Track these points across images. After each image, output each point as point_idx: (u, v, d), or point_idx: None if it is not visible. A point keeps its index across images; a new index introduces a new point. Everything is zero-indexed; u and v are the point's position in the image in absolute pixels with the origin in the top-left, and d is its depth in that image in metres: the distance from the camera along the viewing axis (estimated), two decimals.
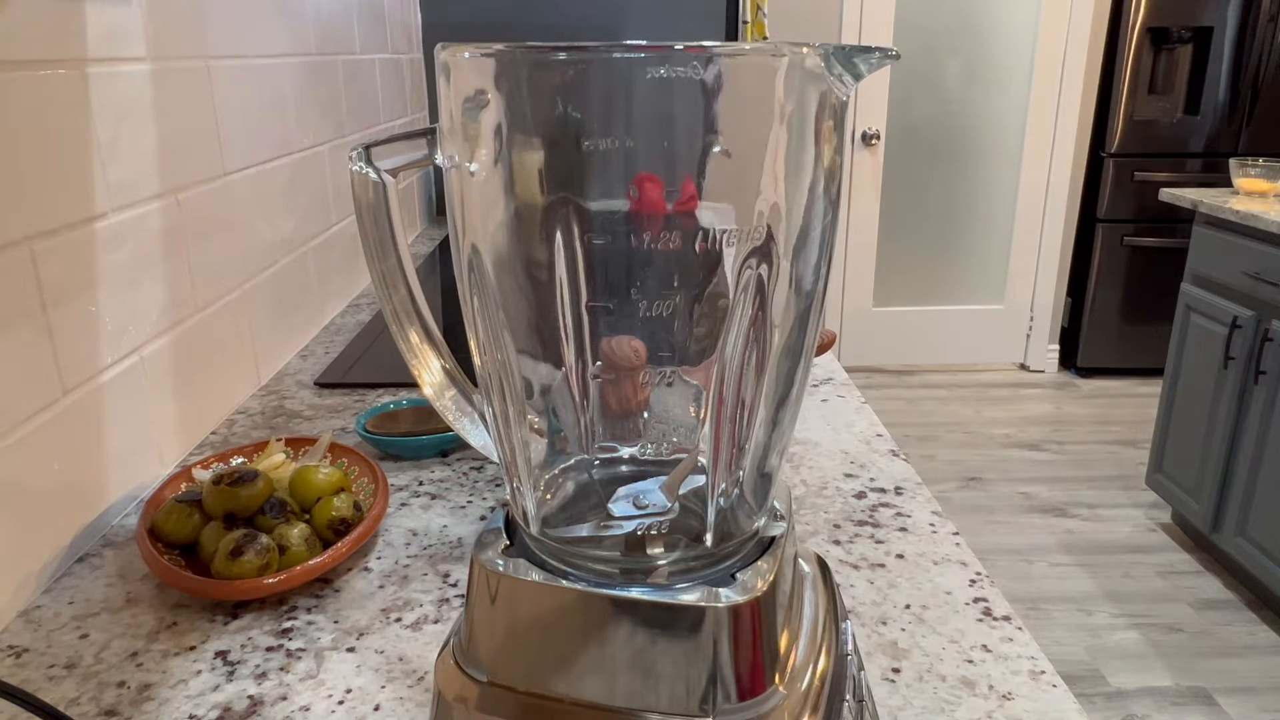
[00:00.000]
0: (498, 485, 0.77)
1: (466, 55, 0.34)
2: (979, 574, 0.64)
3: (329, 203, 1.25)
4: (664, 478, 0.40)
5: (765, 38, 2.59)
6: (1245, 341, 2.03)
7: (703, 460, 0.38)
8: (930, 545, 0.67)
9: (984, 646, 0.56)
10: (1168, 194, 2.37)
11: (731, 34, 2.00)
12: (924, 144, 3.41)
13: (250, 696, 0.52)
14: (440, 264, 1.59)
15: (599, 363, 0.36)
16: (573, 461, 0.41)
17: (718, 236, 0.33)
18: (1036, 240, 3.49)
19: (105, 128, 0.70)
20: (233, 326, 0.93)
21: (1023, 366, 3.66)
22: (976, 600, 0.60)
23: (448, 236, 0.41)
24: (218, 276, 0.90)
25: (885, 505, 0.73)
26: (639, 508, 0.39)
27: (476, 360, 0.40)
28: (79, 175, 0.67)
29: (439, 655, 0.40)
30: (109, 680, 0.53)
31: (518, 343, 0.37)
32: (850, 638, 0.44)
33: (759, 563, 0.38)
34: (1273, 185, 2.22)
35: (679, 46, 0.32)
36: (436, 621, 0.59)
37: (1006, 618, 0.58)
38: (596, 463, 0.41)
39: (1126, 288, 3.38)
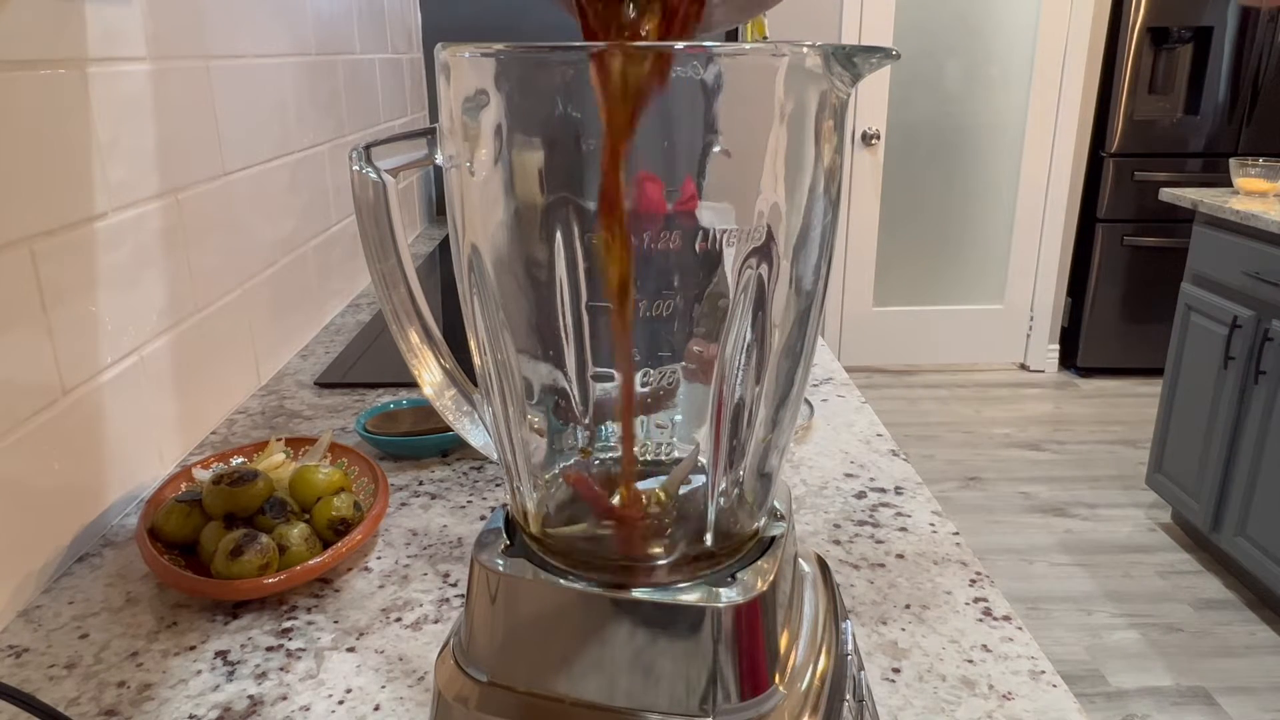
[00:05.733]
0: (498, 485, 0.77)
1: (466, 55, 0.34)
2: (979, 574, 0.64)
3: (329, 203, 1.25)
4: (664, 478, 0.40)
5: (765, 37, 2.58)
6: (1245, 341, 2.03)
7: (703, 460, 0.38)
8: (930, 545, 0.67)
9: (984, 646, 0.56)
10: (1168, 194, 2.37)
11: (731, 34, 2.00)
12: (924, 144, 3.41)
13: (250, 696, 0.52)
14: (440, 264, 1.59)
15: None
16: (573, 461, 0.41)
17: (718, 236, 0.33)
18: (1036, 240, 3.49)
19: (105, 128, 0.70)
20: (233, 326, 0.93)
21: (1023, 366, 3.66)
22: (976, 600, 0.60)
23: (448, 236, 0.41)
24: (218, 276, 0.90)
25: (885, 505, 0.73)
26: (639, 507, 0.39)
27: (476, 360, 0.40)
28: (79, 175, 0.67)
29: (439, 655, 0.40)
30: (109, 680, 0.53)
31: (518, 343, 0.37)
32: (850, 638, 0.44)
33: (759, 563, 0.38)
34: (1273, 185, 2.22)
35: (679, 46, 0.32)
36: (436, 621, 0.59)
37: (1006, 618, 0.58)
38: (596, 463, 0.41)
39: (1126, 288, 3.38)
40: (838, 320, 3.59)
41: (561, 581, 0.37)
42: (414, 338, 0.43)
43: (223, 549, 0.59)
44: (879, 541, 0.68)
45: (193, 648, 0.56)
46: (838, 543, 0.68)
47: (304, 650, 0.56)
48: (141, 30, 0.76)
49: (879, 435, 0.86)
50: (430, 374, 0.44)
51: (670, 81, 0.32)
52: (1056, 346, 3.60)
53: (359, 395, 0.98)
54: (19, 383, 0.61)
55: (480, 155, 0.35)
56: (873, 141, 3.37)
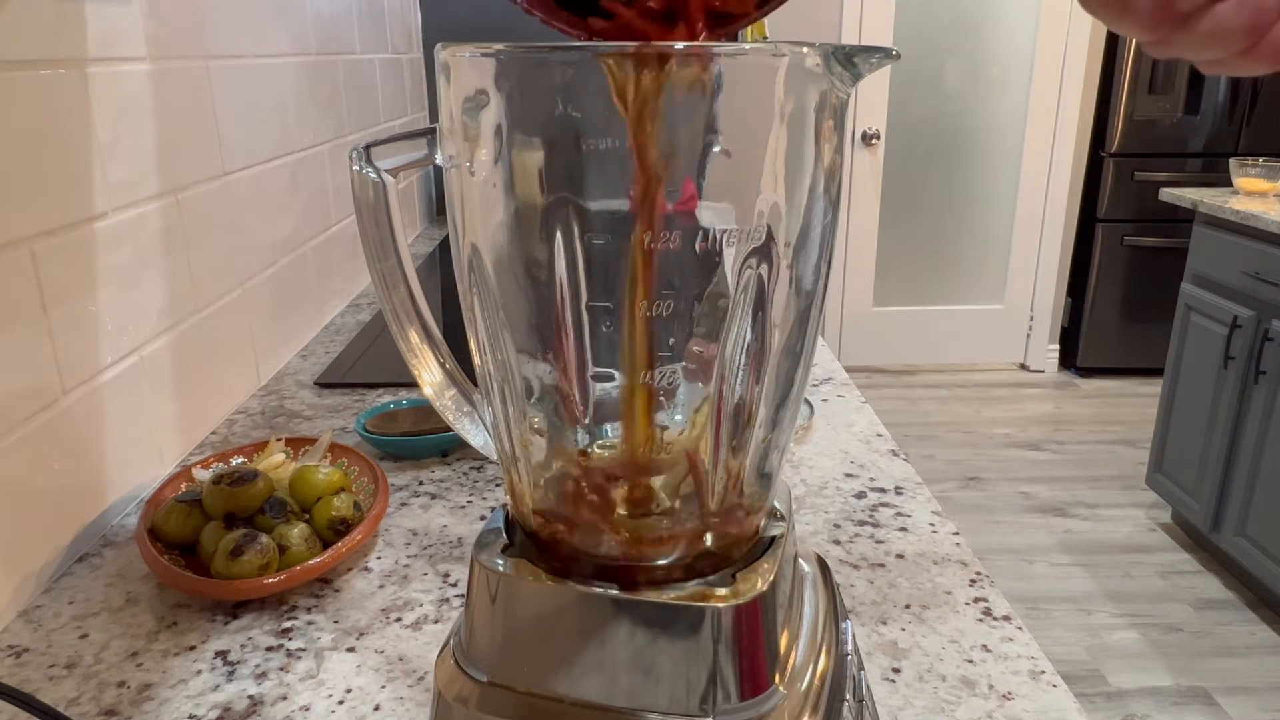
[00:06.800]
0: (498, 485, 0.77)
1: (466, 55, 0.34)
2: (979, 574, 0.64)
3: (329, 203, 1.25)
4: (664, 477, 0.40)
5: (765, 38, 2.58)
6: (1245, 341, 2.03)
7: (703, 460, 0.38)
8: (930, 545, 0.67)
9: (984, 646, 0.56)
10: (1168, 194, 2.37)
11: (731, 34, 2.00)
12: (924, 144, 3.41)
13: (250, 696, 0.52)
14: (440, 264, 1.59)
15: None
16: (573, 461, 0.41)
17: (718, 236, 0.33)
18: (1036, 240, 3.49)
19: (105, 128, 0.70)
20: (233, 326, 0.93)
21: (1023, 366, 3.66)
22: (976, 600, 0.60)
23: (448, 236, 0.41)
24: (218, 276, 0.90)
25: (885, 505, 0.73)
26: (639, 507, 0.39)
27: (476, 360, 0.40)
28: (79, 175, 0.67)
29: (439, 655, 0.40)
30: (109, 680, 0.53)
31: (518, 343, 0.37)
32: (850, 638, 0.44)
33: (759, 563, 0.38)
34: (1273, 185, 2.22)
35: (679, 46, 0.32)
36: (436, 621, 0.59)
37: (1006, 618, 0.58)
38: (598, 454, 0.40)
39: (1126, 288, 3.38)
40: (838, 320, 3.59)
41: (561, 581, 0.37)
42: (414, 338, 0.43)
43: (223, 549, 0.59)
44: (879, 541, 0.68)
45: (193, 648, 0.56)
46: (838, 543, 0.68)
47: (304, 650, 0.56)
48: (141, 30, 0.76)
49: (879, 435, 0.86)
50: (430, 374, 0.44)
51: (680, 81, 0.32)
52: (1056, 346, 3.60)
53: (359, 395, 0.98)
54: (19, 382, 0.61)
55: (480, 155, 0.35)
56: (873, 141, 3.37)
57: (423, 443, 0.81)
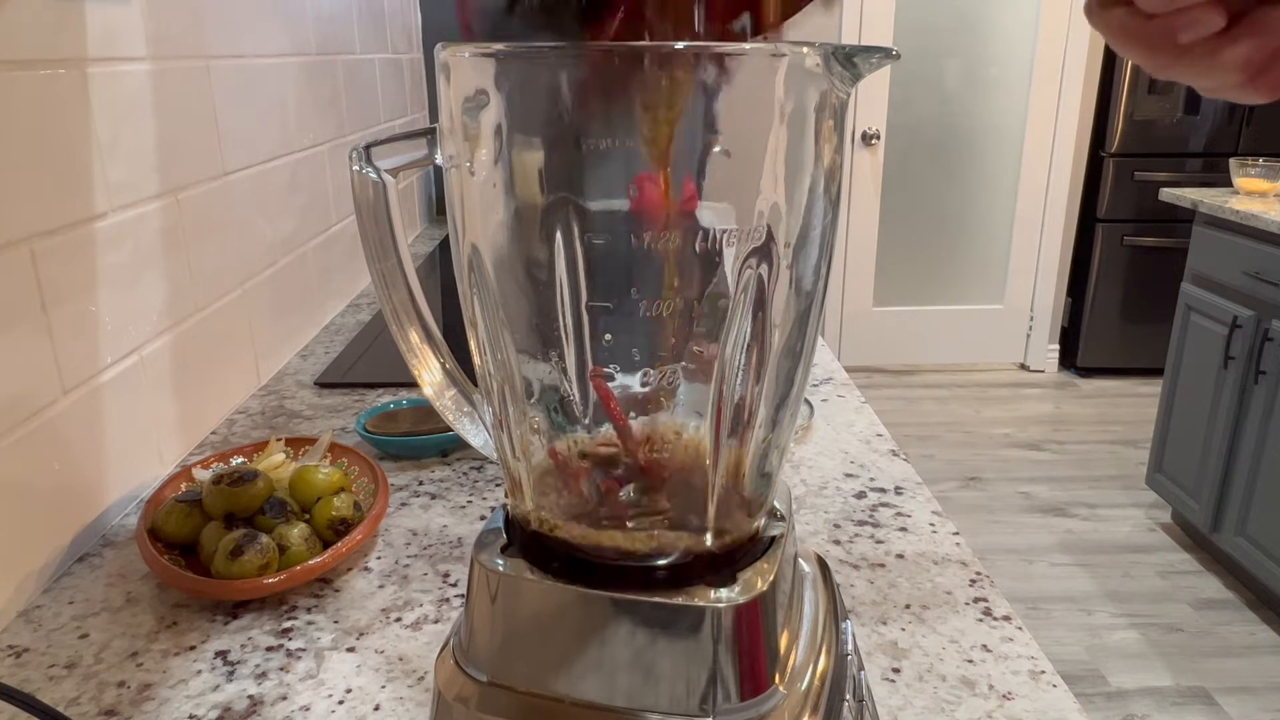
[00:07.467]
0: (498, 485, 0.77)
1: (466, 55, 0.34)
2: (979, 574, 0.64)
3: (329, 203, 1.25)
4: (664, 477, 0.40)
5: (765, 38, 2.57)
6: (1245, 341, 2.03)
7: (703, 460, 0.38)
8: (930, 545, 0.67)
9: (984, 646, 0.56)
10: (1168, 194, 2.37)
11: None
12: (924, 144, 3.41)
13: (250, 696, 0.52)
14: (440, 264, 1.59)
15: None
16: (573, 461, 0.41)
17: (718, 236, 0.33)
18: (1036, 240, 3.49)
19: (105, 128, 0.70)
20: (233, 326, 0.93)
21: (1023, 366, 3.66)
22: (976, 600, 0.60)
23: (448, 236, 0.42)
24: (218, 276, 0.90)
25: (885, 505, 0.73)
26: (639, 507, 0.39)
27: (476, 360, 0.40)
28: (79, 175, 0.67)
29: (439, 655, 0.40)
30: (109, 680, 0.53)
31: (518, 343, 0.37)
32: (850, 638, 0.44)
33: (759, 563, 0.38)
34: (1273, 185, 2.22)
35: (679, 46, 0.32)
36: (436, 621, 0.59)
37: (1006, 618, 0.58)
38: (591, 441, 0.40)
39: (1126, 288, 3.38)
40: (838, 320, 3.59)
41: (561, 581, 0.37)
42: (414, 338, 0.43)
43: (223, 549, 0.59)
44: (879, 541, 0.68)
45: (193, 648, 0.56)
46: (838, 543, 0.68)
47: (304, 650, 0.56)
48: (141, 30, 0.76)
49: (879, 435, 0.86)
50: (430, 374, 0.44)
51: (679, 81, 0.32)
52: (1056, 346, 3.60)
53: (359, 395, 0.98)
54: (19, 382, 0.61)
55: (480, 155, 0.35)
56: (873, 141, 3.37)
57: (423, 443, 0.81)
